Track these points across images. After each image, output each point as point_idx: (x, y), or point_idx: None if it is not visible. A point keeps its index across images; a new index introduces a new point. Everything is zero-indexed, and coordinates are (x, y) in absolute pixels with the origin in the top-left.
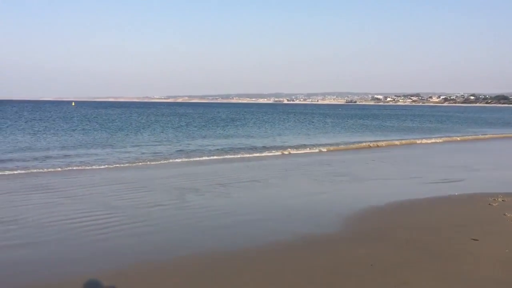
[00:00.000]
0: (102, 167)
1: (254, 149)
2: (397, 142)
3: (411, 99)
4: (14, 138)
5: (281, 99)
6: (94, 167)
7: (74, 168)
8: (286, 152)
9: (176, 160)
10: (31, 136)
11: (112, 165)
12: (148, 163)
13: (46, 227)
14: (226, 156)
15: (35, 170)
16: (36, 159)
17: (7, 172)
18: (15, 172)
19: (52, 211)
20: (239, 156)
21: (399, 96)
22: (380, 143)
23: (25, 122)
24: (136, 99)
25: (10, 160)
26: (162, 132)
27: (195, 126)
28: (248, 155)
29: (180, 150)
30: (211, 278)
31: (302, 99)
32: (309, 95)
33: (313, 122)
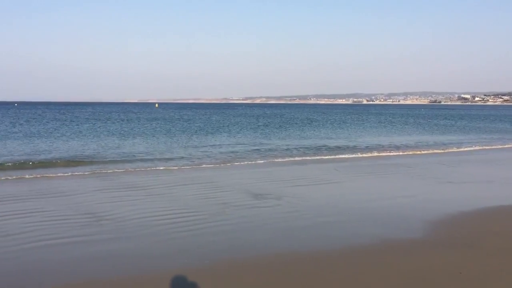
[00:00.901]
0: (185, 167)
1: (332, 150)
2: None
3: (502, 98)
4: (105, 138)
5: (360, 99)
6: (177, 167)
7: (161, 168)
8: (365, 154)
9: (258, 161)
10: (120, 136)
11: (193, 165)
12: (228, 164)
13: (134, 223)
14: (304, 158)
15: (123, 170)
16: (125, 158)
17: (101, 171)
18: (108, 171)
19: (139, 208)
20: (317, 157)
21: (488, 95)
22: (464, 147)
23: (113, 123)
24: (215, 100)
25: (103, 159)
26: (239, 133)
27: (273, 127)
28: (326, 157)
29: (257, 150)
30: (289, 279)
31: (382, 100)
32: (389, 95)
33: (393, 122)
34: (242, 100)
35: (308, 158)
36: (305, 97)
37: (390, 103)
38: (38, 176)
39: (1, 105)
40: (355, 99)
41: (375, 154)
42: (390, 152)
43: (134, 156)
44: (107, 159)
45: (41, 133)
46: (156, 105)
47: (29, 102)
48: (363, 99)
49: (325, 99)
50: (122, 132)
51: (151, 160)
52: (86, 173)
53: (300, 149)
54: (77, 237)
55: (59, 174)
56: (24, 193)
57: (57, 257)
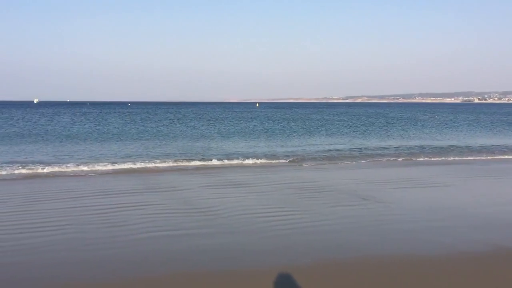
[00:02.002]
0: (285, 166)
1: (437, 150)
2: None
3: None
4: (208, 136)
5: (471, 98)
6: (277, 165)
7: (262, 165)
8: (476, 157)
9: (359, 161)
10: (222, 134)
11: (294, 164)
12: (329, 163)
13: (239, 218)
14: (407, 158)
15: (227, 166)
16: (227, 154)
17: (206, 167)
18: (212, 167)
19: (241, 204)
20: (422, 158)
21: None
22: None
23: (215, 121)
24: (315, 99)
25: (208, 157)
26: (339, 132)
27: (376, 126)
28: (432, 158)
29: (358, 150)
30: (390, 282)
31: (496, 98)
32: (505, 94)
33: (509, 123)
34: (343, 99)
35: (413, 159)
36: (409, 96)
37: (506, 101)
38: (145, 172)
39: (117, 104)
40: (465, 98)
41: (488, 157)
42: (504, 155)
43: (236, 154)
44: (211, 156)
45: (155, 131)
46: (257, 104)
47: (140, 102)
48: (474, 98)
49: (431, 98)
50: (224, 130)
51: (252, 157)
52: (193, 170)
53: (404, 149)
54: (185, 230)
55: (167, 169)
56: (139, 187)
57: (167, 248)
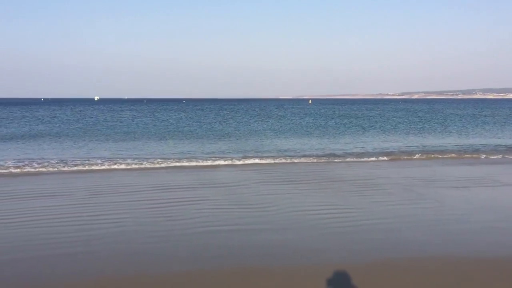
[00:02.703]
0: (340, 163)
1: (500, 148)
2: None
3: None
4: (261, 133)
5: None
6: (331, 163)
7: (316, 163)
8: None
9: (416, 158)
10: (275, 130)
11: (348, 161)
12: (384, 161)
13: (293, 215)
14: (468, 156)
15: (286, 162)
16: (280, 151)
17: (259, 164)
18: (265, 164)
19: (295, 201)
20: (483, 157)
21: None
22: None
23: (268, 117)
24: (370, 95)
25: (262, 153)
26: (395, 128)
27: (435, 122)
28: (491, 157)
29: (416, 147)
30: (452, 284)
31: None
32: None
33: None
34: (398, 95)
35: (474, 156)
36: (469, 92)
37: None
38: (199, 168)
39: (173, 101)
40: None
41: None
42: None
43: (288, 150)
44: (264, 153)
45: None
46: (310, 101)
47: (195, 99)
48: None
49: (494, 94)
50: (277, 127)
51: (305, 155)
52: (246, 166)
53: (465, 147)
54: (240, 225)
55: (220, 166)
56: (194, 182)
57: (222, 242)
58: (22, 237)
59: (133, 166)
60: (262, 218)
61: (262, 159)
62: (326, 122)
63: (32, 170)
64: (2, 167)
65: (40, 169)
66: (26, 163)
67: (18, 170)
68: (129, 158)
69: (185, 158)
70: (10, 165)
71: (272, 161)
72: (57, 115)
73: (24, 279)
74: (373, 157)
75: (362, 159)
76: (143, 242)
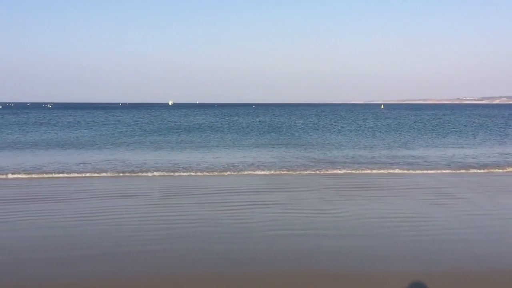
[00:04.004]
0: (415, 170)
1: None
2: None
3: None
4: (333, 138)
5: None
6: (405, 170)
7: (391, 170)
8: None
9: (500, 169)
10: (346, 135)
11: (424, 168)
12: (462, 170)
13: (366, 221)
14: None
15: (359, 171)
16: (362, 157)
17: (328, 169)
18: (341, 171)
19: (369, 207)
20: None
21: None
22: None
23: (340, 121)
24: (446, 100)
25: (333, 160)
26: (475, 135)
27: None
28: None
29: (499, 155)
30: None
31: None
32: None
33: None
34: (477, 100)
35: None
36: None
37: None
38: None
39: (243, 106)
40: None
41: None
42: None
43: (359, 156)
44: (336, 160)
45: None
46: (382, 106)
47: (264, 104)
48: None
49: None
50: (347, 131)
51: (375, 162)
52: (313, 173)
53: None
54: (311, 230)
55: (290, 171)
56: (266, 186)
57: (293, 246)
58: (104, 234)
59: (208, 173)
60: (333, 224)
61: (332, 164)
62: (400, 126)
63: (113, 171)
64: (93, 170)
65: (121, 172)
66: (107, 165)
67: (104, 173)
68: (203, 163)
69: (262, 166)
70: (93, 166)
71: (341, 167)
72: (139, 120)
73: (107, 273)
74: (452, 165)
75: (439, 167)
76: (216, 243)
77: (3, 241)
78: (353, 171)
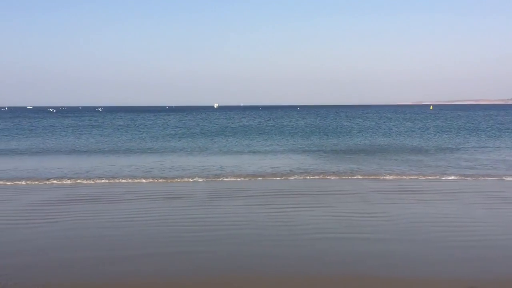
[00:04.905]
0: (466, 175)
1: None
2: None
3: None
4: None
5: None
6: (457, 175)
7: (438, 174)
8: None
9: None
10: (392, 136)
11: (477, 174)
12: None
13: (411, 226)
14: None
15: (407, 174)
16: (410, 160)
17: (379, 174)
18: (389, 175)
19: (417, 212)
20: None
21: None
22: None
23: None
24: (500, 101)
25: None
26: None
27: None
28: None
29: None
30: None
31: None
32: None
33: None
34: None
35: None
36: None
37: None
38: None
39: (287, 108)
40: None
41: None
42: None
43: (406, 160)
44: (382, 161)
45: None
46: (431, 107)
47: (308, 106)
48: None
49: None
50: (395, 130)
51: (428, 166)
52: (360, 177)
53: None
54: (358, 233)
55: (334, 174)
56: (310, 189)
57: (340, 249)
58: (151, 235)
59: (252, 178)
60: (380, 228)
61: (403, 176)
62: (450, 127)
63: (157, 175)
64: (143, 174)
65: (167, 174)
66: (154, 168)
67: (151, 178)
68: (249, 167)
69: (301, 170)
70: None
71: (393, 175)
72: (187, 122)
73: (153, 273)
74: (503, 167)
75: (493, 171)
76: (261, 245)
77: (55, 241)
78: (400, 174)
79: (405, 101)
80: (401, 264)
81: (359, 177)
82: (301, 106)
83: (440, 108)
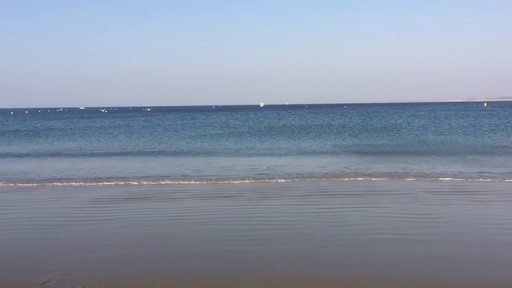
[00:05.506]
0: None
1: None
2: None
3: None
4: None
5: None
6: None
7: (505, 174)
8: None
9: None
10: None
11: None
12: None
13: (465, 228)
14: None
15: (462, 175)
16: (464, 160)
17: (428, 175)
18: (444, 176)
19: (471, 213)
20: None
21: None
22: None
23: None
24: None
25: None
26: None
27: None
28: None
29: None
30: None
31: None
32: None
33: None
34: None
35: None
36: None
37: None
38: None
39: (334, 107)
40: None
41: None
42: None
43: (460, 160)
44: (435, 161)
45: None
46: (484, 104)
47: (355, 104)
48: None
49: None
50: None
51: (484, 165)
52: (412, 178)
53: None
54: (410, 235)
55: (380, 175)
56: (359, 189)
57: (392, 251)
58: (202, 233)
59: (295, 179)
60: (433, 229)
61: (435, 169)
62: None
63: (207, 175)
64: (194, 173)
65: (217, 173)
66: (204, 168)
67: (204, 180)
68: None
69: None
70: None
71: (439, 171)
72: (233, 121)
73: (202, 271)
74: None
75: None
76: (310, 245)
77: (110, 237)
78: (455, 174)
79: (456, 98)
80: (457, 267)
81: (411, 178)
82: (347, 105)
83: (494, 105)
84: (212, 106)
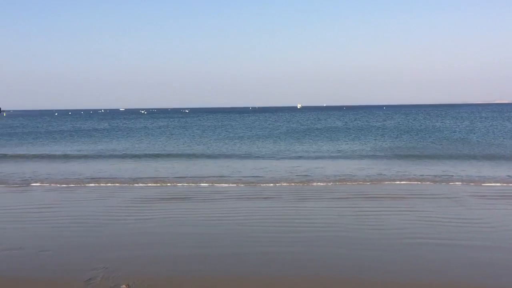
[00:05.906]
0: None
1: None
2: None
3: None
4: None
5: None
6: None
7: None
8: None
9: None
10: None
11: None
12: None
13: None
14: None
15: (509, 182)
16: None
17: (471, 178)
18: (488, 182)
19: None
20: None
21: None
22: None
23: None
24: None
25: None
26: None
27: None
28: None
29: None
30: None
31: None
32: None
33: None
34: None
35: None
36: None
37: None
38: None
39: (372, 108)
40: None
41: None
42: None
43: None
44: (478, 164)
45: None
46: None
47: (394, 105)
48: None
49: None
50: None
51: None
52: (457, 182)
53: None
54: (453, 240)
55: (421, 180)
56: (397, 192)
57: (435, 256)
58: (241, 233)
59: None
60: (479, 234)
61: (480, 174)
62: None
63: (244, 179)
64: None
65: (256, 176)
66: (244, 170)
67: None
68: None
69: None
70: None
71: (485, 174)
72: (271, 122)
73: (238, 272)
74: None
75: None
76: (349, 248)
77: (151, 236)
78: (502, 178)
79: (502, 99)
80: (502, 274)
81: (456, 182)
82: (387, 106)
83: None
84: (249, 107)
